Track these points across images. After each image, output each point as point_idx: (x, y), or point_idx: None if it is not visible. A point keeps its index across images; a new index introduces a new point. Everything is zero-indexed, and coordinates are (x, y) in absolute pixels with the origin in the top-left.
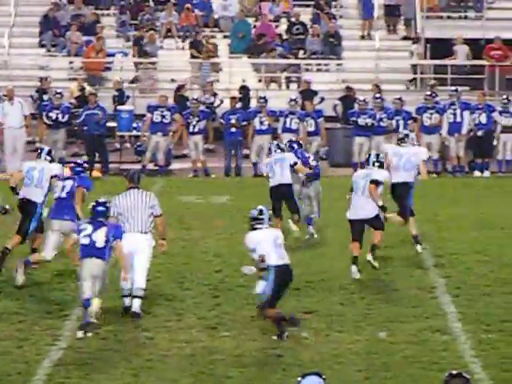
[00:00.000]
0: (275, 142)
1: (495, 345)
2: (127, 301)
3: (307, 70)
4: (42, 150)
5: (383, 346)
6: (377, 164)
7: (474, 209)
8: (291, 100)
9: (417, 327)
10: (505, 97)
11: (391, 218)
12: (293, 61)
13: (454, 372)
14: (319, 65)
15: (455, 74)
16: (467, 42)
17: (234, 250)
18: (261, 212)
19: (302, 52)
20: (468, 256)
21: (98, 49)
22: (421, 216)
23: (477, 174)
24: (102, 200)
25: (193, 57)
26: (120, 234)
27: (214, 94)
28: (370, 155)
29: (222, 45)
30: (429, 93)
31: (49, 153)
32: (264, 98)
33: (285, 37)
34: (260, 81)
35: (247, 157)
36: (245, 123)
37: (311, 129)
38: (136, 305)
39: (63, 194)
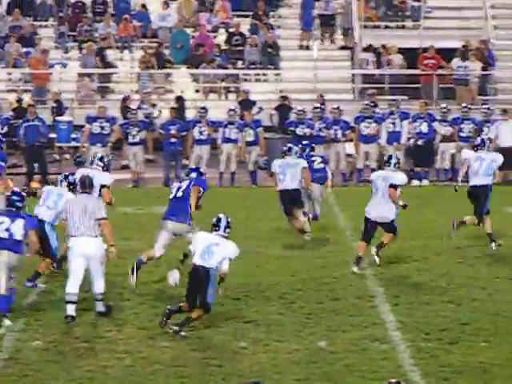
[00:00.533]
0: (290, 146)
1: (434, 353)
2: (70, 308)
3: (246, 80)
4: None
5: (323, 355)
6: (397, 166)
7: (413, 217)
8: (230, 110)
9: (356, 336)
10: (444, 106)
11: (468, 221)
12: (231, 71)
13: (393, 380)
14: (258, 75)
15: (393, 84)
16: (402, 51)
17: (173, 260)
18: (218, 220)
19: (240, 62)
20: (407, 264)
21: (43, 61)
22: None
23: (415, 182)
24: (17, 190)
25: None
26: (33, 223)
27: (153, 105)
28: (391, 156)
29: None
30: (367, 102)
31: (101, 159)
32: (204, 108)
33: (223, 47)
34: (198, 91)
35: (186, 167)
36: (184, 133)
37: (250, 139)
38: (99, 305)
39: (179, 194)
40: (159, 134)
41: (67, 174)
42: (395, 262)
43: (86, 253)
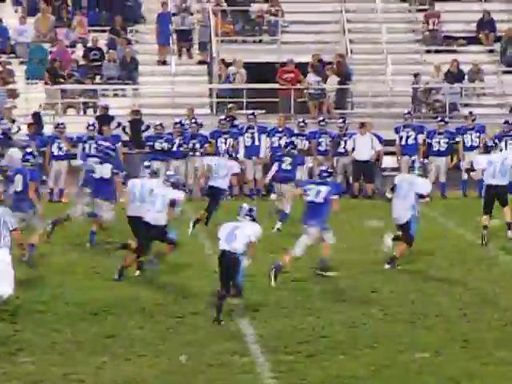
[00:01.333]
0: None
1: (293, 366)
2: None
3: (104, 95)
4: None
5: (183, 369)
6: (421, 171)
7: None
8: (89, 125)
9: (216, 350)
10: (301, 120)
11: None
12: (89, 86)
13: None
14: (116, 90)
15: (251, 98)
16: (262, 65)
17: (31, 275)
18: (240, 208)
19: (98, 77)
20: (265, 278)
21: None
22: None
23: (273, 196)
24: None
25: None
26: None
27: (13, 121)
28: (414, 161)
29: (18, 71)
30: (223, 117)
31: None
32: (62, 123)
33: (81, 62)
34: (55, 106)
35: (44, 182)
36: (43, 149)
37: None
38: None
39: (319, 200)
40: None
41: None
42: (253, 275)
43: None
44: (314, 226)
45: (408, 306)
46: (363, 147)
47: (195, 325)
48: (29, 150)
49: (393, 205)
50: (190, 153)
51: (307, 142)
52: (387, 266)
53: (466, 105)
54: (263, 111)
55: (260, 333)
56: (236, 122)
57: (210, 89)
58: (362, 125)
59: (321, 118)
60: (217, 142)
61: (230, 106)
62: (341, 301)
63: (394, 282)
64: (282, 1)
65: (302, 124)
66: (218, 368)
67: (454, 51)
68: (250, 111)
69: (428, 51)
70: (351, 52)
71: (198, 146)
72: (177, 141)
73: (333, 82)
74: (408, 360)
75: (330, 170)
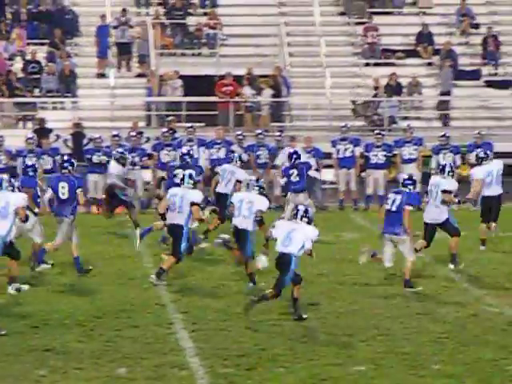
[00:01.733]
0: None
1: (232, 379)
2: None
3: (43, 108)
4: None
5: (122, 382)
6: (451, 174)
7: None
8: (28, 138)
9: (155, 363)
10: (239, 132)
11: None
12: (28, 99)
13: None
14: (55, 103)
15: (189, 111)
16: (201, 77)
17: None
18: (296, 209)
19: (37, 90)
20: (205, 290)
21: None
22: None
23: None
24: None
25: None
26: None
27: None
28: (445, 165)
29: None
30: (165, 129)
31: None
32: (1, 136)
33: (20, 75)
34: None
35: None
36: None
37: (48, 167)
38: None
39: (393, 208)
40: None
41: None
42: (192, 288)
43: None
44: (390, 233)
45: (347, 318)
46: None
47: (134, 338)
48: (65, 157)
49: (427, 208)
50: (130, 166)
51: (246, 155)
52: (452, 266)
53: (405, 118)
54: (202, 124)
55: (199, 346)
56: (176, 135)
57: (148, 102)
58: (293, 138)
59: (259, 131)
60: (159, 154)
61: (170, 118)
62: (280, 314)
63: (332, 295)
64: (221, 14)
65: (240, 137)
66: (156, 381)
67: (393, 64)
68: (189, 124)
69: (367, 64)
70: (290, 65)
71: (137, 159)
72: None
73: (267, 95)
74: (345, 373)
75: (413, 179)
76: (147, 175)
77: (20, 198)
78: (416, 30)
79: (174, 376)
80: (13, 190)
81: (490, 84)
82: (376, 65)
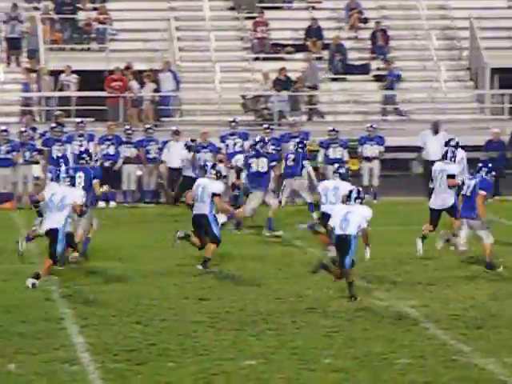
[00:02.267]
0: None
1: (123, 374)
2: None
3: None
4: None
5: (12, 377)
6: (452, 159)
7: (108, 240)
8: None
9: (45, 358)
10: (128, 127)
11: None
12: None
13: None
14: None
15: (79, 106)
16: (91, 72)
17: None
18: (349, 192)
19: None
20: (94, 286)
21: None
22: None
23: (101, 204)
24: None
25: None
26: None
27: None
28: (447, 151)
29: None
30: (54, 125)
31: (213, 166)
32: None
33: None
34: None
35: None
36: None
37: None
38: None
39: (468, 193)
40: None
41: None
42: (81, 284)
43: None
44: (466, 217)
45: (237, 313)
46: (175, 155)
47: (23, 334)
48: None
49: (433, 194)
50: (20, 161)
51: (135, 150)
52: (461, 249)
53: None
54: (92, 119)
55: (90, 341)
56: (64, 130)
57: (39, 97)
58: (177, 132)
59: (148, 126)
60: (51, 149)
61: (58, 113)
62: (169, 308)
63: (221, 289)
64: (110, 9)
65: (129, 131)
66: (47, 376)
67: (282, 59)
68: (79, 119)
69: (256, 59)
70: (180, 59)
71: (27, 154)
72: (3, 148)
73: (149, 90)
74: (236, 367)
75: (489, 165)
76: (37, 170)
77: (77, 195)
78: (305, 24)
79: (65, 371)
80: (73, 184)
81: (378, 79)
82: (265, 59)
